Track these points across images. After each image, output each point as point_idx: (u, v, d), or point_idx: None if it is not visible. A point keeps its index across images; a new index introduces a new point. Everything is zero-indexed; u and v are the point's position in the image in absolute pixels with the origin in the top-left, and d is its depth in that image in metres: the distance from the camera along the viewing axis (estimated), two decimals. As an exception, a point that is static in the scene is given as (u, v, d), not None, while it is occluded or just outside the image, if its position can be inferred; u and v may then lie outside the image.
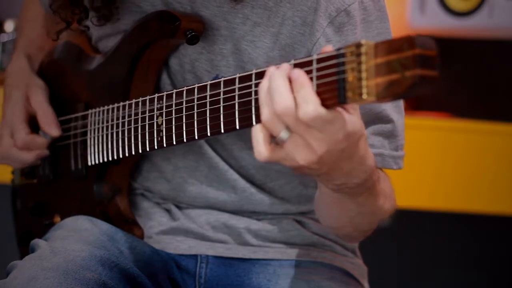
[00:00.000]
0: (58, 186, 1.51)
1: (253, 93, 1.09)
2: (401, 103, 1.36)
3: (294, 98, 1.03)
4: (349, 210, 1.26)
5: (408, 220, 2.76)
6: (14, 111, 1.48)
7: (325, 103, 1.02)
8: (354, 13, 1.28)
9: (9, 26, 2.56)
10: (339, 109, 1.04)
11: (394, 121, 1.33)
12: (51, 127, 1.46)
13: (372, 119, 1.31)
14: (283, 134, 1.05)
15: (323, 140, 1.04)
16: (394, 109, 1.33)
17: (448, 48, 2.50)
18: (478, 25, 2.45)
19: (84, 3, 1.38)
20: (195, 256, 1.42)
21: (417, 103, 2.50)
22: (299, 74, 1.03)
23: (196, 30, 1.31)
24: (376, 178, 1.20)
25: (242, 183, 1.39)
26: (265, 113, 1.05)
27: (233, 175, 1.39)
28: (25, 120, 1.48)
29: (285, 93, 1.03)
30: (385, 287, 2.64)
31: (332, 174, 1.12)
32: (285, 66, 1.05)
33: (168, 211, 1.45)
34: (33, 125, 1.48)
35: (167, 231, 1.43)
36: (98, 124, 1.39)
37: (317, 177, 1.14)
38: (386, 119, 1.32)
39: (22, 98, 1.49)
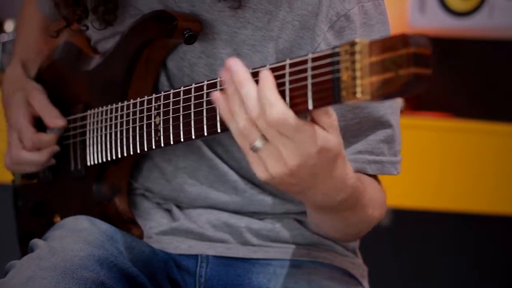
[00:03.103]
0: (58, 186, 1.51)
1: None
2: (398, 106, 1.36)
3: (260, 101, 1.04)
4: (335, 225, 1.28)
5: (408, 220, 2.77)
6: (18, 116, 1.48)
7: (320, 103, 1.01)
8: (353, 18, 1.28)
9: (9, 26, 2.57)
10: (310, 122, 1.04)
11: (393, 126, 1.33)
12: (55, 120, 1.45)
13: (373, 124, 1.31)
14: (258, 143, 1.05)
15: (295, 152, 1.04)
16: (393, 113, 1.33)
17: (448, 48, 2.50)
18: (478, 25, 2.45)
19: (86, 4, 1.39)
20: (195, 256, 1.42)
21: (417, 103, 2.51)
22: (265, 75, 1.04)
23: (193, 30, 1.31)
24: (360, 192, 1.19)
25: (242, 184, 1.39)
26: (241, 121, 1.05)
27: (233, 176, 1.39)
28: (30, 122, 1.48)
29: (256, 97, 1.04)
30: (385, 287, 2.64)
31: (308, 194, 1.12)
32: (245, 71, 1.06)
33: (168, 211, 1.45)
34: (39, 125, 1.48)
35: (167, 231, 1.43)
36: (97, 124, 1.39)
37: (294, 195, 1.13)
38: (386, 124, 1.32)
39: (23, 102, 1.49)
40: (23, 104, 1.49)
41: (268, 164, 1.05)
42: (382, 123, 1.32)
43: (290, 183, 1.07)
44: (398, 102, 1.38)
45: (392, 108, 1.33)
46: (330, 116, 1.06)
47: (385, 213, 1.34)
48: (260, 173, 1.06)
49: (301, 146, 1.03)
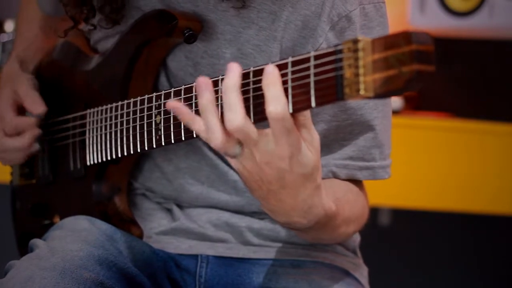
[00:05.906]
0: (57, 186, 1.50)
1: (251, 90, 1.09)
2: (390, 108, 1.37)
3: (264, 95, 1.04)
4: (304, 237, 1.31)
5: (408, 220, 2.77)
6: (2, 104, 1.48)
7: (323, 100, 1.02)
8: (355, 19, 1.29)
9: (9, 26, 2.57)
10: (301, 140, 1.07)
11: (384, 130, 1.34)
12: (35, 105, 1.45)
13: (364, 128, 1.32)
14: (237, 151, 1.08)
15: (264, 153, 1.06)
16: (383, 117, 1.34)
17: (448, 48, 2.50)
18: (478, 25, 2.46)
19: (93, 3, 1.39)
20: (195, 256, 1.42)
21: (417, 103, 2.51)
22: (272, 71, 1.04)
23: (193, 29, 1.30)
24: (331, 217, 1.20)
25: (242, 184, 1.39)
26: (218, 138, 1.07)
27: (234, 176, 1.39)
28: (12, 109, 1.47)
29: (238, 109, 1.05)
30: (385, 287, 2.65)
31: (272, 203, 1.13)
32: (236, 76, 1.07)
33: (169, 210, 1.45)
34: (22, 113, 1.48)
35: (168, 231, 1.43)
36: (97, 123, 1.39)
37: (260, 200, 1.14)
38: (377, 128, 1.33)
39: (10, 92, 1.49)
40: (9, 94, 1.48)
41: (243, 161, 1.09)
42: (372, 127, 1.32)
43: (257, 180, 1.09)
44: (390, 105, 1.38)
45: (383, 112, 1.34)
46: (312, 133, 1.08)
47: (365, 221, 1.36)
48: (234, 164, 1.10)
49: (277, 149, 1.06)
